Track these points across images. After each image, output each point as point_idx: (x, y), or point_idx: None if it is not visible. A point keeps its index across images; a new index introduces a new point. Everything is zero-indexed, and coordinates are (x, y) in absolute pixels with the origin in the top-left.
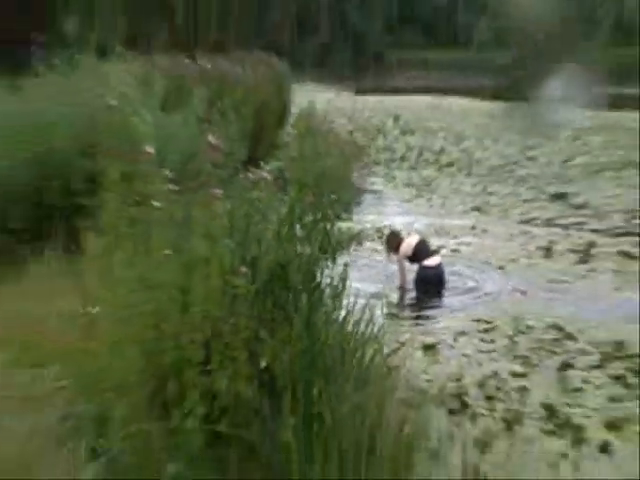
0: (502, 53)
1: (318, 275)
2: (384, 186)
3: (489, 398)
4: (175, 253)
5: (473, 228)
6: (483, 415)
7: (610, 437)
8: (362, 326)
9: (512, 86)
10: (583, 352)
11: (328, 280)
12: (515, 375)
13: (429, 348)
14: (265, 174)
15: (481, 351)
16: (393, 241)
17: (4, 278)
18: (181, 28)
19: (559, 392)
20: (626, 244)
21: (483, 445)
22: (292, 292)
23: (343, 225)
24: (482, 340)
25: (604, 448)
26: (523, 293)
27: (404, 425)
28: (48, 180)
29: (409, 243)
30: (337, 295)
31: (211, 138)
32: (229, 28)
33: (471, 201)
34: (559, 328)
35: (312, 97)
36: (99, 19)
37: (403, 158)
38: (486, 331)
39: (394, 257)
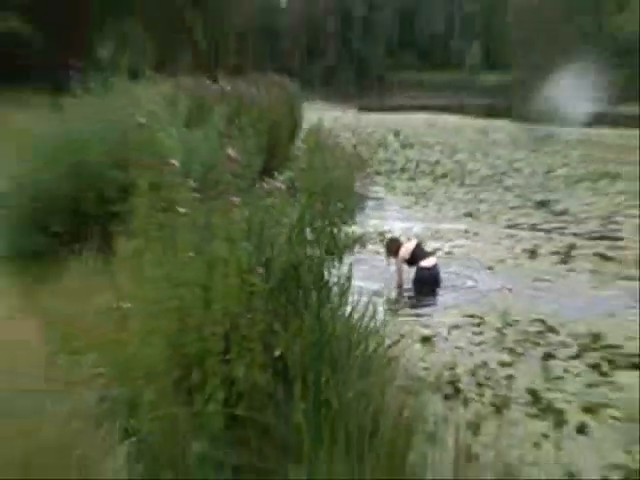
0: (495, 75)
1: (326, 274)
2: (385, 194)
3: (480, 385)
4: (198, 254)
5: (465, 232)
6: (474, 400)
7: (587, 419)
8: (365, 320)
9: (511, 106)
10: (564, 344)
11: (335, 279)
12: (503, 364)
13: (426, 340)
14: (278, 184)
15: (472, 343)
16: (393, 246)
17: (48, 276)
18: (204, 53)
19: (542, 379)
20: (602, 247)
21: (474, 427)
22: (303, 290)
23: (348, 229)
24: (473, 333)
25: (582, 429)
26: (510, 290)
27: (403, 410)
28: (85, 190)
29: (407, 248)
30: (343, 292)
31: (230, 151)
32: (247, 54)
33: (463, 208)
34: (542, 322)
35: (320, 115)
36: (131, 46)
37: (402, 169)
38: (477, 325)
39: (393, 260)
